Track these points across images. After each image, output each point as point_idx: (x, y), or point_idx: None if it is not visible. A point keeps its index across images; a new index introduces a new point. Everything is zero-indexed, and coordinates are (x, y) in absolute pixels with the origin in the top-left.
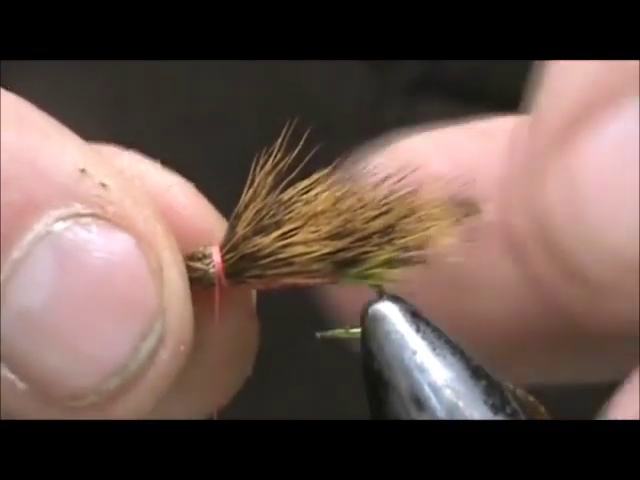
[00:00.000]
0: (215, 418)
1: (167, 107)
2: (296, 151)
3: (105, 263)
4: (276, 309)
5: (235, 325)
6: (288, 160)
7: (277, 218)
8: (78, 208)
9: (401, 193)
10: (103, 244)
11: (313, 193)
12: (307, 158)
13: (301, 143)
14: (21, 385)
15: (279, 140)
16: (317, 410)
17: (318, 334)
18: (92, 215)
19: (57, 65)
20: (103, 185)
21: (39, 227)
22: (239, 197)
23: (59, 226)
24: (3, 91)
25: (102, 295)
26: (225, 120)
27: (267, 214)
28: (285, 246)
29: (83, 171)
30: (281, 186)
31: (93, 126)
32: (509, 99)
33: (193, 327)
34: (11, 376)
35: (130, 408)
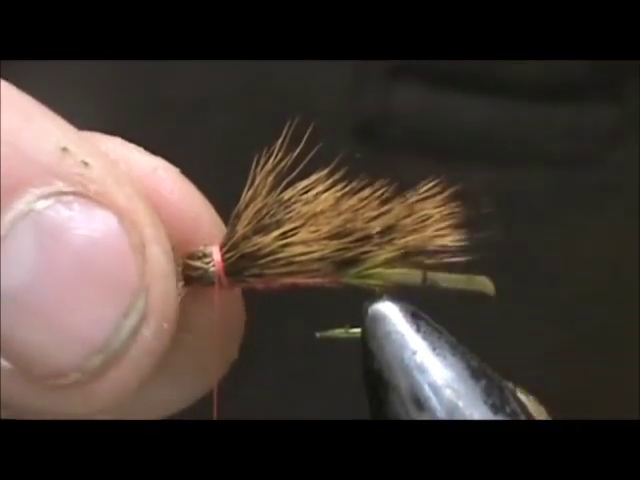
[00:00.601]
0: (212, 418)
1: (147, 92)
2: (297, 152)
3: (87, 241)
4: (269, 306)
5: (222, 308)
6: (289, 160)
7: (277, 218)
8: (60, 186)
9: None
10: (85, 222)
11: (313, 193)
12: (307, 158)
13: (302, 144)
14: (5, 364)
15: (279, 140)
16: (315, 410)
17: (318, 334)
18: (74, 193)
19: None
20: (85, 163)
21: (21, 205)
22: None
23: (41, 204)
24: None
25: (84, 273)
26: (205, 108)
27: (267, 214)
28: (285, 246)
29: (65, 150)
30: (281, 186)
31: (76, 113)
32: (488, 82)
33: (177, 305)
34: None
35: (113, 386)
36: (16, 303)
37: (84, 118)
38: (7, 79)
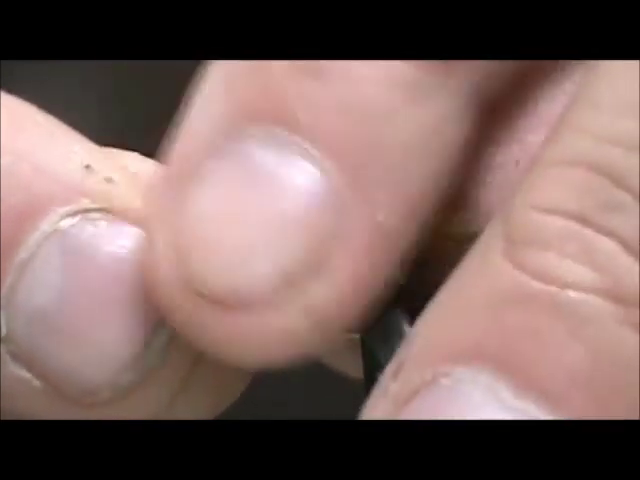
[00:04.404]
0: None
1: (147, 92)
2: None
3: (114, 257)
4: None
5: None
6: None
7: None
8: (85, 203)
9: None
10: (111, 238)
11: None
12: None
13: None
14: (37, 383)
15: None
16: (315, 410)
17: None
18: (100, 210)
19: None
20: (109, 180)
21: (45, 226)
22: None
23: (66, 223)
24: (3, 94)
25: (113, 289)
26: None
27: None
28: None
29: (88, 167)
30: None
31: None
32: None
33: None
34: (27, 375)
35: (146, 402)
36: (45, 322)
37: (84, 119)
38: (6, 80)
